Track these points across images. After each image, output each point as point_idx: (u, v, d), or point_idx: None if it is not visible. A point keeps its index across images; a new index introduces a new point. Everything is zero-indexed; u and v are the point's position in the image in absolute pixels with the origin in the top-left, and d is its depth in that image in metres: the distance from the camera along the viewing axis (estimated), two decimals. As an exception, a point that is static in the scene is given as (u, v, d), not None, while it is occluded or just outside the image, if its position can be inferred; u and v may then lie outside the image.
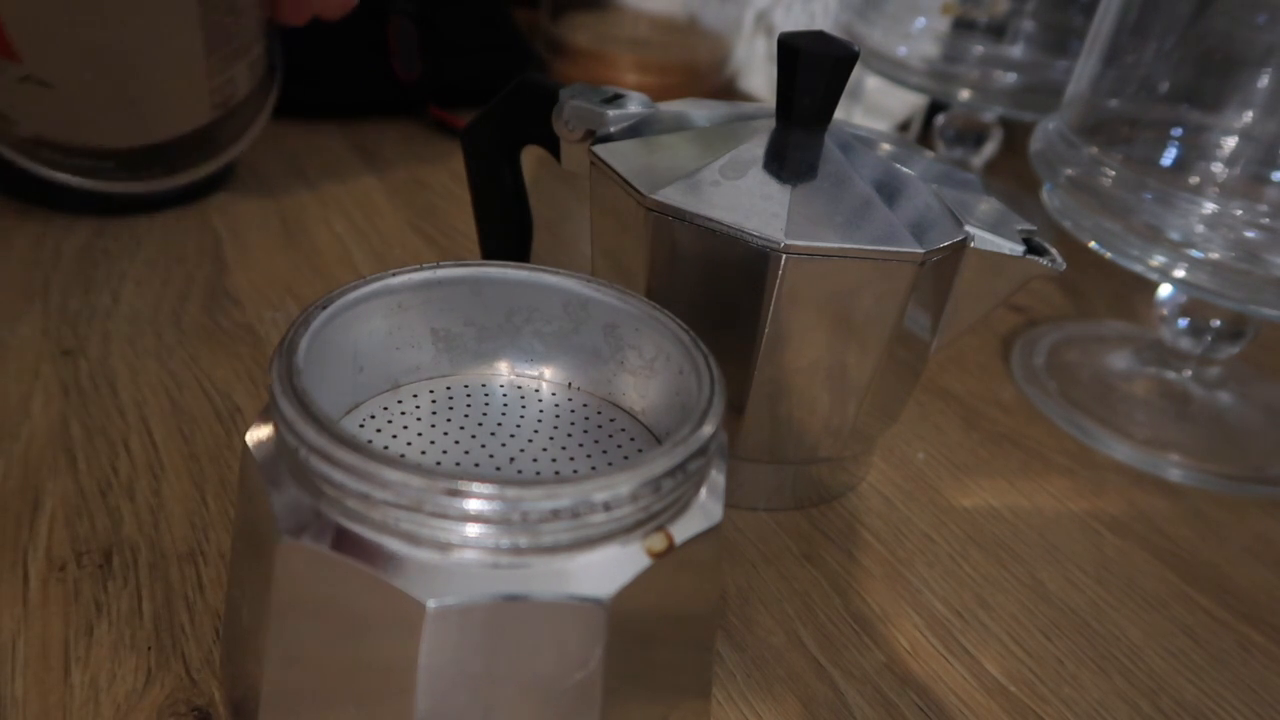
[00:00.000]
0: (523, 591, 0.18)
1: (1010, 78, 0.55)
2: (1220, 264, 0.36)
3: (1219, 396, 0.43)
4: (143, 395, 0.35)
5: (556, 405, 0.25)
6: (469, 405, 0.25)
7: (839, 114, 0.32)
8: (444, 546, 0.18)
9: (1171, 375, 0.43)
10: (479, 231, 0.39)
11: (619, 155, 0.31)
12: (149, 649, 0.26)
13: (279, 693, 0.21)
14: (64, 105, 0.25)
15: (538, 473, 0.23)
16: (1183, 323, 0.41)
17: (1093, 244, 0.39)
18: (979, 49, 0.57)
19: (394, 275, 0.24)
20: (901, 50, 0.57)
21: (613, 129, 0.32)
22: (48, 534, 0.29)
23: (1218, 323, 0.40)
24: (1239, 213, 0.37)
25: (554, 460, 0.23)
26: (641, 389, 0.25)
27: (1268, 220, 0.37)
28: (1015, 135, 0.58)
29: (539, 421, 0.24)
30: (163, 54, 0.25)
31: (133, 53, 0.25)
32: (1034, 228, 0.31)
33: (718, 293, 0.29)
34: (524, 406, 0.25)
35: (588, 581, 0.19)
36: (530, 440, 0.24)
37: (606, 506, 0.19)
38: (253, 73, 0.27)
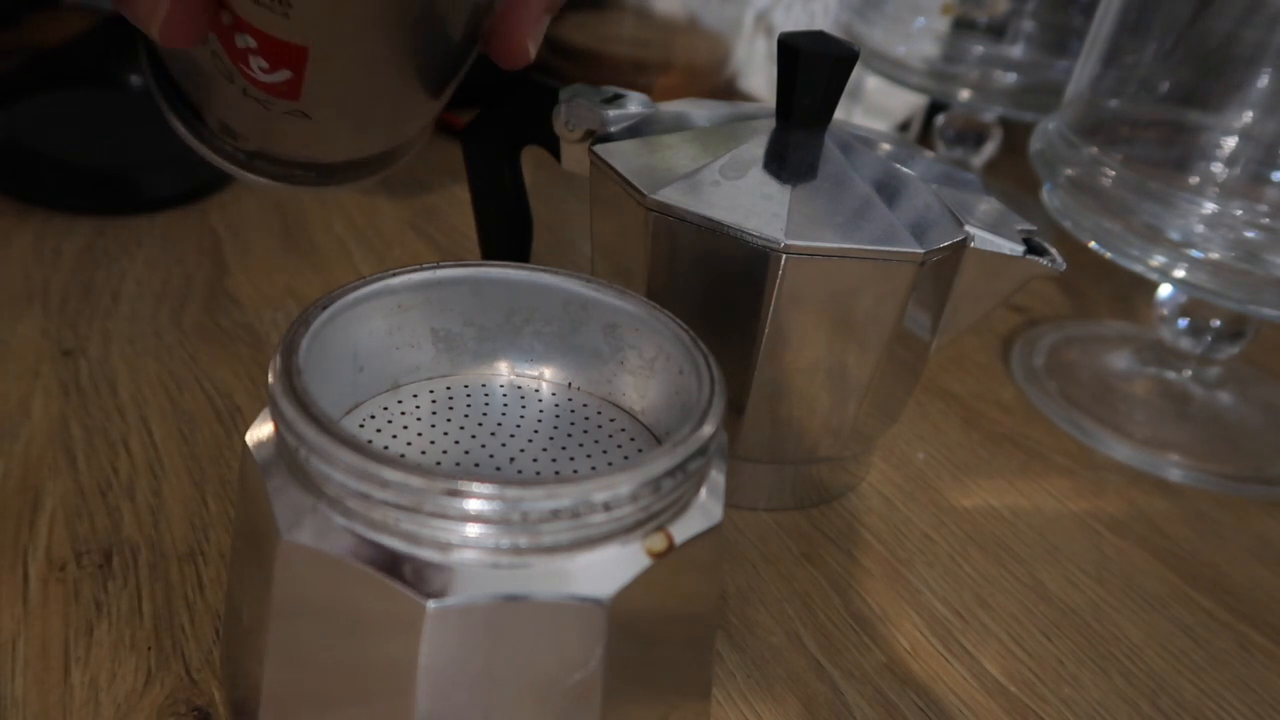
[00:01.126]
0: (523, 591, 0.18)
1: (1010, 78, 0.55)
2: (1220, 264, 0.36)
3: (1219, 396, 0.43)
4: (143, 395, 0.35)
5: (556, 405, 0.25)
6: (469, 405, 0.25)
7: (839, 114, 0.32)
8: (444, 546, 0.18)
9: (1171, 375, 0.43)
10: (479, 231, 0.39)
11: (619, 155, 0.31)
12: (149, 649, 0.26)
13: (279, 693, 0.21)
14: (308, 131, 0.25)
15: (538, 473, 0.23)
16: (1183, 323, 0.41)
17: (1093, 244, 0.39)
18: (979, 49, 0.57)
19: (394, 275, 0.24)
20: (901, 50, 0.57)
21: (613, 129, 0.32)
22: (48, 534, 0.29)
23: (1218, 323, 0.40)
24: (1239, 213, 0.37)
25: (554, 460, 0.23)
26: (641, 389, 0.25)
27: (1268, 220, 0.37)
28: (1015, 135, 0.58)
29: (539, 421, 0.24)
30: (420, 87, 0.25)
31: (395, 89, 0.25)
32: (1034, 228, 0.31)
33: (718, 293, 0.29)
34: (524, 406, 0.25)
35: (588, 581, 0.19)
36: (530, 440, 0.24)
37: (606, 506, 0.19)
38: (451, 92, 0.27)
